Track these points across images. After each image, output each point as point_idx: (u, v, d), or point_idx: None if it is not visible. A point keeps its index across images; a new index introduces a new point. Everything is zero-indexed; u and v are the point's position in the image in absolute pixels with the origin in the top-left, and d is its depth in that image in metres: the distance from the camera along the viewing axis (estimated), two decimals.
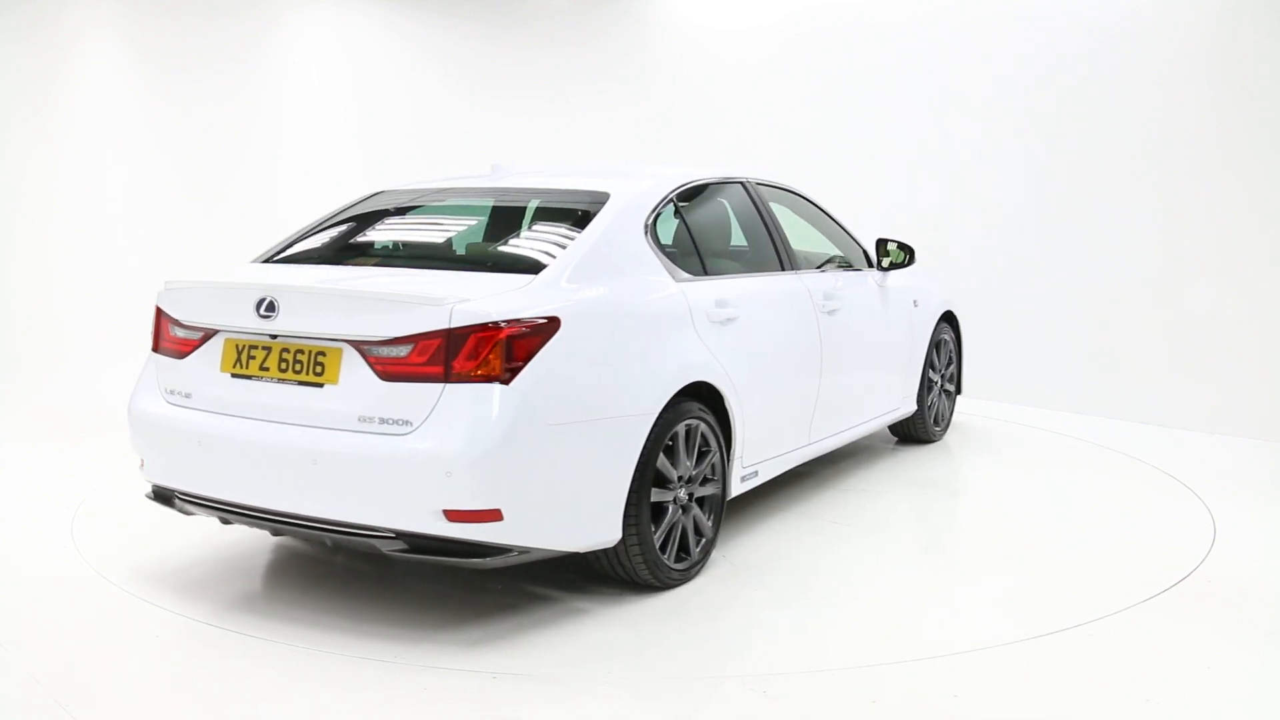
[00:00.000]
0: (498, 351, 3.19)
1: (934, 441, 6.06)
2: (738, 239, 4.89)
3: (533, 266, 3.56)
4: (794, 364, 4.55)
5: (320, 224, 4.36)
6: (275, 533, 3.62)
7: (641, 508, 3.57)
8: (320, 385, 3.34)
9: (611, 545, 3.53)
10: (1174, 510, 4.91)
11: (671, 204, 4.21)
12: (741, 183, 4.81)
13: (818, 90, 8.62)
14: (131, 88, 8.90)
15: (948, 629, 3.51)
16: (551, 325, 3.31)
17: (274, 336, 3.45)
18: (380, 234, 4.25)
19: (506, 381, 3.19)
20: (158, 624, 3.51)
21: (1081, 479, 5.48)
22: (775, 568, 4.07)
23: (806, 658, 3.28)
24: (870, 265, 5.42)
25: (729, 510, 4.56)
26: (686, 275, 4.01)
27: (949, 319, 6.13)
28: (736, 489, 4.17)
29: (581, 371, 3.39)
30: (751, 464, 4.25)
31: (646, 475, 3.58)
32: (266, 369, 3.46)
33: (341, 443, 3.25)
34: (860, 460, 5.67)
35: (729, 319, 4.09)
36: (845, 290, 5.01)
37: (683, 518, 3.80)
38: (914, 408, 5.74)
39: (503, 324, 3.21)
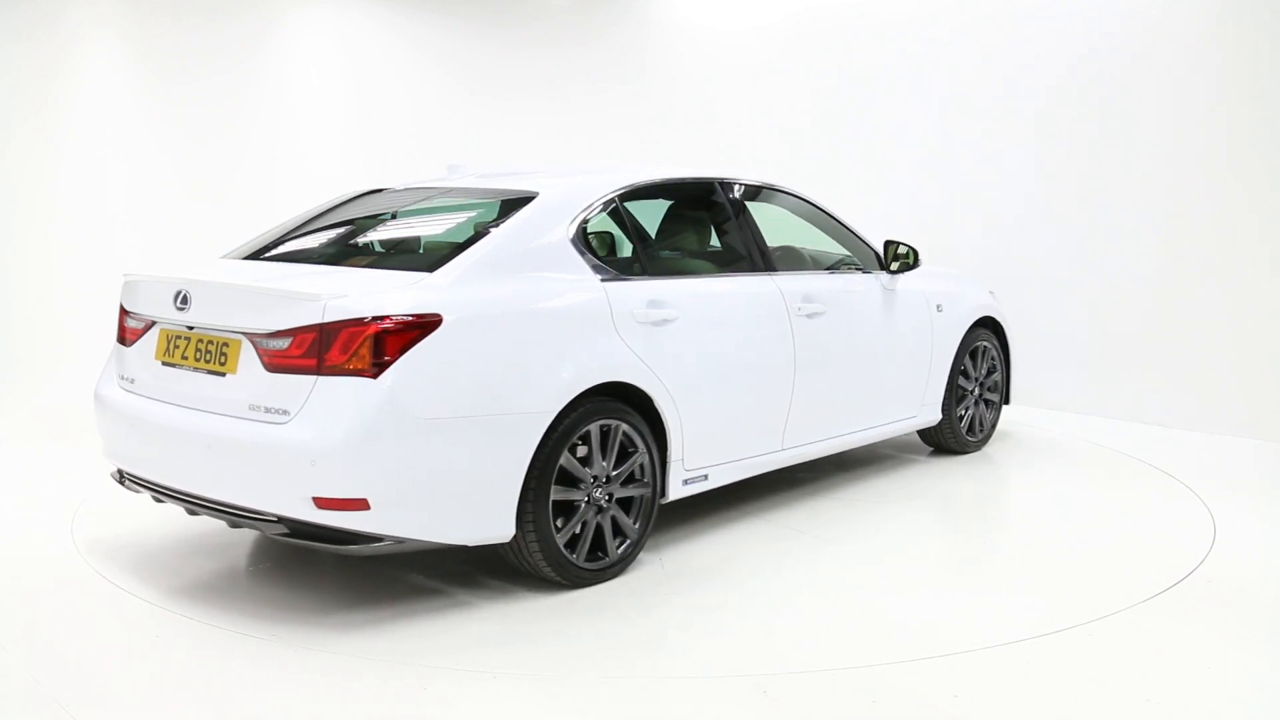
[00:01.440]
0: (366, 346, 3.28)
1: (968, 452, 5.85)
2: (703, 240, 4.85)
3: (433, 265, 3.64)
4: (757, 367, 4.46)
5: (288, 223, 4.50)
6: (190, 512, 3.73)
7: (540, 505, 3.60)
8: (223, 374, 3.54)
9: (505, 541, 3.59)
10: (1174, 510, 4.92)
11: (613, 204, 4.22)
12: (715, 183, 4.74)
13: (818, 90, 8.62)
14: (131, 88, 8.90)
15: (948, 629, 3.51)
16: (430, 322, 3.38)
17: (190, 328, 3.68)
18: (323, 234, 4.32)
19: (374, 376, 3.28)
20: (158, 624, 3.51)
21: (1081, 479, 5.48)
22: (711, 571, 4.03)
23: (807, 658, 3.28)
24: (882, 268, 5.25)
25: (682, 513, 4.61)
26: (616, 276, 4.00)
27: (990, 325, 5.91)
28: (678, 492, 4.16)
29: (464, 368, 3.45)
30: (698, 467, 4.22)
31: (547, 473, 3.61)
32: (186, 358, 3.69)
33: (232, 429, 3.44)
34: (873, 469, 5.65)
35: (664, 320, 4.06)
36: (835, 293, 4.90)
37: (598, 517, 3.82)
38: (937, 416, 5.58)
39: (370, 320, 3.30)
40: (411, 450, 3.33)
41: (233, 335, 3.52)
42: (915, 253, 5.27)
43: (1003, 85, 7.58)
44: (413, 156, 9.28)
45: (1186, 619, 3.61)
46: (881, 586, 3.93)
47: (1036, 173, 7.46)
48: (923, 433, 5.78)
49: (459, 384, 3.43)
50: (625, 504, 3.96)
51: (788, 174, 8.15)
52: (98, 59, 8.79)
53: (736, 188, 4.81)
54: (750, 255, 4.66)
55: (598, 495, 3.81)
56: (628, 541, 3.95)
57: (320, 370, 3.30)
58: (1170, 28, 6.75)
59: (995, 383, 5.98)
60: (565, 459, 3.68)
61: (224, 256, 4.33)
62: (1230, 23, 6.54)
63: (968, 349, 5.71)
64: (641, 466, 3.97)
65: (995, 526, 4.70)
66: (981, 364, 5.85)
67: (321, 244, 4.22)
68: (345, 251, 4.16)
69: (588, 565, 3.81)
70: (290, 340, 3.36)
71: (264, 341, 3.42)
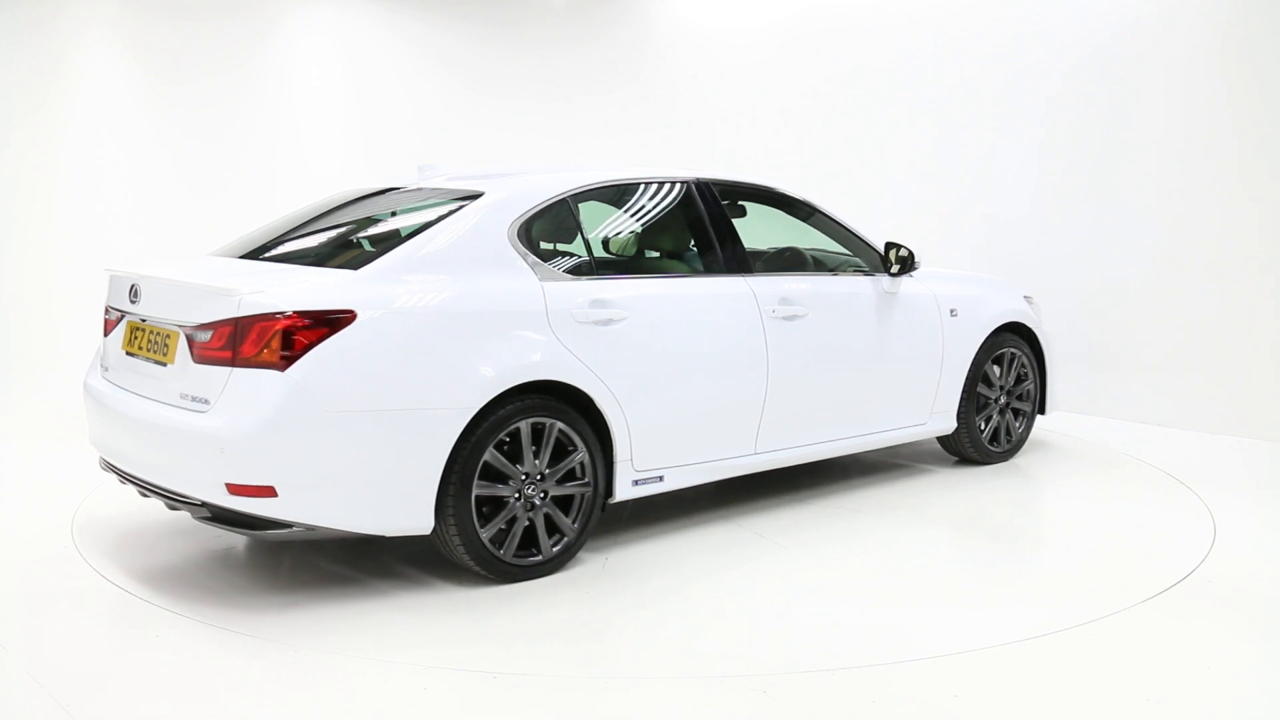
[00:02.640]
0: (276, 340, 3.41)
1: (991, 463, 5.63)
2: (667, 240, 4.84)
3: (362, 263, 3.76)
4: (720, 369, 4.40)
5: (269, 224, 4.60)
6: (141, 494, 3.87)
7: (461, 500, 3.67)
8: (165, 365, 3.73)
9: (424, 533, 3.68)
10: (1174, 510, 4.92)
11: (563, 204, 4.23)
12: (691, 183, 4.68)
13: (819, 91, 8.62)
14: (131, 88, 8.89)
15: (948, 629, 3.51)
16: (343, 318, 3.49)
17: (143, 320, 3.89)
18: (289, 234, 4.33)
19: (282, 368, 3.41)
20: (158, 624, 3.51)
21: (1081, 478, 5.48)
22: (650, 571, 4.02)
23: (807, 658, 3.28)
24: (890, 270, 5.11)
25: (642, 514, 4.63)
26: (558, 276, 4.03)
27: (1020, 331, 5.70)
28: (627, 493, 4.16)
29: (377, 363, 3.54)
30: (651, 468, 4.22)
31: (469, 468, 3.67)
32: (141, 349, 3.90)
33: (166, 416, 3.62)
34: (877, 478, 5.64)
35: (609, 320, 4.06)
36: (821, 295, 4.80)
37: (530, 514, 3.86)
38: (952, 425, 5.39)
39: (279, 315, 3.42)
40: (318, 441, 3.44)
41: (172, 328, 3.72)
42: (912, 254, 5.11)
43: (1005, 85, 7.58)
44: (413, 157, 9.27)
45: (1186, 619, 3.61)
46: (849, 593, 3.93)
47: (1038, 173, 7.46)
48: (943, 441, 5.62)
49: (371, 378, 3.52)
50: (565, 502, 3.98)
51: (789, 174, 8.16)
52: (98, 59, 8.78)
53: (711, 188, 4.71)
54: (721, 256, 4.59)
55: (530, 492, 3.85)
56: (564, 539, 3.97)
57: (235, 362, 3.45)
58: (1174, 29, 6.75)
59: (1027, 392, 5.74)
60: (490, 455, 3.73)
61: (209, 254, 4.44)
62: (1235, 24, 6.54)
63: (989, 355, 5.50)
64: (581, 465, 3.98)
65: (995, 526, 4.70)
66: (1009, 372, 5.63)
67: (283, 243, 4.24)
68: (297, 251, 4.19)
69: (518, 561, 3.84)
70: (212, 333, 3.52)
71: (194, 334, 3.59)
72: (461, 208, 4.01)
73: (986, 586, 4.00)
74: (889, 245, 5.12)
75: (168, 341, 3.73)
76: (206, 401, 3.50)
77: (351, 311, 3.51)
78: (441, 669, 3.18)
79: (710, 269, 4.60)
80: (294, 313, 3.44)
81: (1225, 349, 6.60)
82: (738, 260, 4.63)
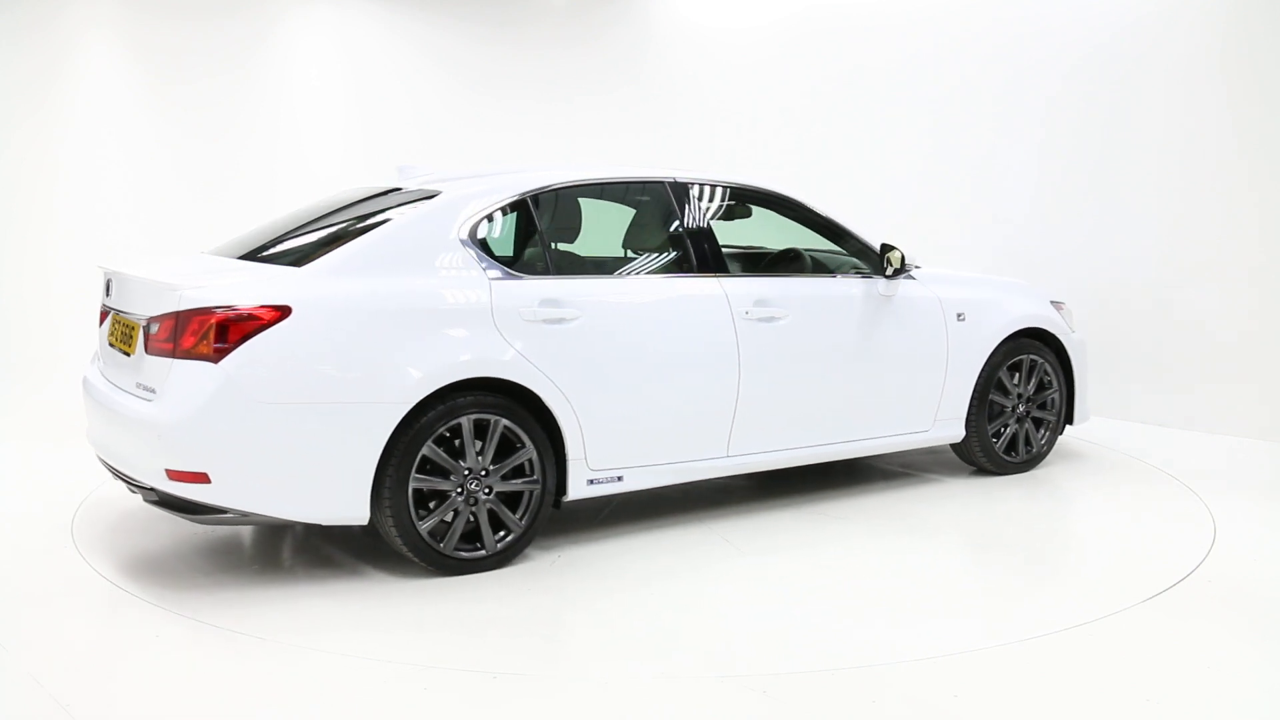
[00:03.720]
0: (210, 333, 3.58)
1: (1007, 474, 5.41)
2: (634, 241, 4.82)
3: (307, 260, 3.92)
4: (684, 371, 4.37)
5: (260, 224, 4.69)
6: (115, 475, 4.06)
7: (399, 492, 3.76)
8: (129, 355, 3.92)
9: (361, 523, 3.79)
10: (1174, 510, 4.92)
11: (523, 204, 4.28)
12: (666, 183, 4.65)
13: (820, 91, 8.62)
14: (131, 88, 8.89)
15: (948, 629, 3.51)
16: (277, 313, 3.64)
17: (120, 312, 4.07)
18: (268, 233, 4.40)
19: (216, 360, 3.57)
20: (158, 624, 3.51)
21: (1081, 478, 5.48)
22: (595, 570, 4.05)
23: (807, 658, 3.28)
24: (885, 272, 4.99)
25: (612, 513, 4.67)
26: (511, 275, 4.08)
27: (1044, 338, 5.48)
28: (581, 492, 4.18)
29: (312, 357, 3.67)
30: (607, 468, 4.23)
31: (405, 462, 3.76)
32: (116, 340, 4.09)
33: (122, 404, 3.83)
34: (885, 486, 5.62)
35: (560, 319, 4.09)
36: (803, 297, 4.72)
37: (473, 509, 3.92)
38: (959, 433, 5.23)
39: (215, 309, 3.60)
40: (249, 430, 3.59)
41: (136, 320, 3.89)
42: (903, 256, 4.96)
43: (1005, 85, 7.58)
44: (412, 157, 9.26)
45: (1186, 619, 3.61)
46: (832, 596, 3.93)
47: (1038, 173, 7.46)
48: (957, 451, 5.43)
49: (304, 371, 3.65)
50: (514, 498, 4.03)
51: (789, 174, 8.16)
52: (98, 59, 8.78)
53: (688, 189, 4.68)
54: (693, 256, 4.56)
55: (473, 487, 3.91)
56: (510, 535, 4.01)
57: (175, 353, 3.63)
58: (1174, 29, 6.75)
59: (1051, 400, 5.51)
60: (429, 449, 3.81)
61: (204, 252, 4.56)
62: (1235, 24, 6.53)
63: (1004, 362, 5.30)
64: (530, 462, 4.02)
65: (995, 527, 4.70)
66: (1029, 379, 5.42)
67: (266, 242, 4.30)
68: (264, 248, 4.24)
69: (461, 554, 3.91)
70: (159, 325, 3.70)
71: (148, 327, 3.77)
72: (413, 207, 4.13)
73: (986, 587, 4.00)
74: (884, 247, 5.01)
75: (132, 333, 3.91)
76: (153, 391, 3.69)
77: (286, 307, 3.66)
78: (441, 669, 3.18)
79: (679, 269, 4.58)
80: (228, 307, 3.60)
81: (1225, 349, 6.59)
82: (711, 261, 4.58)
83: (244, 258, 4.15)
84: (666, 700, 3.00)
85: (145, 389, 3.74)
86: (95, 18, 8.72)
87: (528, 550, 4.18)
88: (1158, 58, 6.82)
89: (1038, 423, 5.52)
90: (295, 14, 9.30)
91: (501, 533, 4.00)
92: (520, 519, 4.03)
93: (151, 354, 3.72)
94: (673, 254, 4.64)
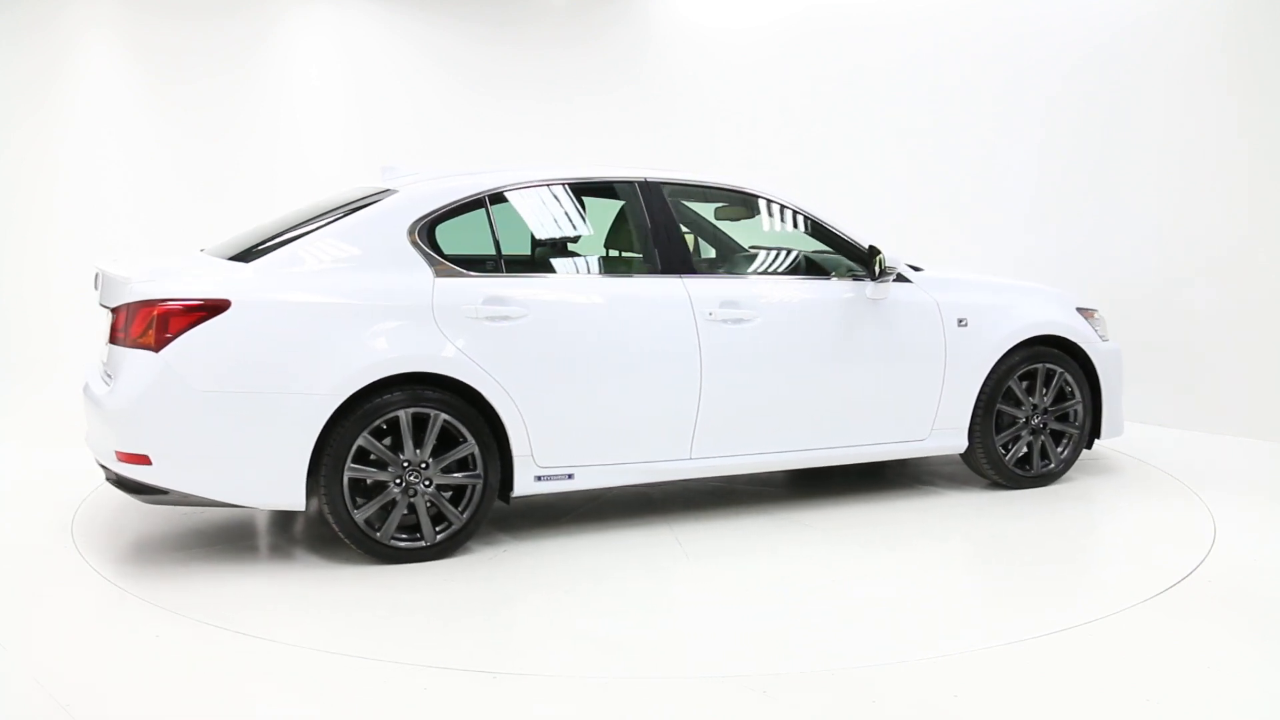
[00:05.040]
0: (153, 324, 3.81)
1: (1021, 488, 5.17)
2: (598, 240, 4.84)
3: (257, 256, 4.10)
4: (639, 371, 4.35)
5: (258, 225, 4.73)
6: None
7: (334, 481, 3.93)
8: (108, 344, 4.12)
9: (298, 509, 3.95)
10: (1174, 510, 4.92)
11: (479, 204, 4.35)
12: (636, 183, 4.61)
13: (820, 91, 8.62)
14: (131, 88, 8.89)
15: (948, 629, 3.51)
16: (216, 306, 3.84)
17: (102, 306, 4.20)
18: (256, 232, 4.49)
19: (157, 349, 3.79)
20: (158, 624, 3.51)
21: (1081, 479, 5.48)
22: (540, 565, 4.10)
23: (807, 658, 3.28)
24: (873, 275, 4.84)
25: (574, 511, 4.70)
26: (457, 273, 4.16)
27: (1066, 346, 5.21)
28: (529, 488, 4.24)
29: (248, 348, 3.85)
30: (557, 466, 4.27)
31: (340, 451, 3.93)
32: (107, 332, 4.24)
33: (93, 390, 4.07)
34: (875, 496, 5.61)
35: (504, 317, 4.15)
36: (775, 300, 4.63)
37: (413, 500, 4.04)
38: (961, 444, 5.03)
39: (159, 301, 3.82)
40: (186, 416, 3.80)
41: (111, 313, 4.10)
42: (882, 259, 4.78)
43: (1005, 85, 7.58)
44: (413, 157, 9.27)
45: (1186, 619, 3.61)
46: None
47: (1038, 173, 7.46)
48: (967, 462, 5.23)
49: (241, 361, 3.84)
50: (460, 491, 4.14)
51: (789, 174, 8.17)
52: (98, 59, 8.78)
53: (654, 188, 4.62)
54: (657, 256, 4.52)
55: (414, 479, 4.02)
56: (452, 527, 4.10)
57: (127, 343, 3.87)
58: (1175, 29, 6.75)
59: (1073, 413, 5.25)
60: (365, 440, 3.95)
61: (200, 250, 4.63)
62: (1236, 24, 6.53)
63: (1015, 371, 5.06)
64: (472, 457, 4.10)
65: (994, 526, 4.70)
66: (1046, 390, 5.16)
67: (249, 243, 4.36)
68: (253, 248, 4.29)
69: (397, 544, 4.04)
70: (116, 317, 3.95)
71: (112, 318, 4.01)
72: (366, 206, 4.25)
73: (986, 587, 4.00)
74: (872, 250, 4.84)
75: (109, 325, 4.15)
76: (112, 378, 3.94)
77: (226, 300, 3.85)
78: (442, 669, 3.18)
79: (642, 269, 4.57)
80: (170, 300, 3.82)
81: (1225, 349, 6.60)
82: (677, 261, 4.54)
83: (234, 258, 4.19)
84: (667, 700, 3.00)
85: (109, 376, 4.00)
86: (95, 18, 8.72)
87: (521, 550, 4.17)
88: (1158, 58, 6.82)
89: (1058, 436, 5.27)
90: (295, 14, 9.30)
91: (443, 525, 4.10)
92: (462, 512, 4.11)
93: (113, 343, 3.96)
94: (636, 254, 4.66)
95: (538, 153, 9.53)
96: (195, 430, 3.81)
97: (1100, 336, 5.38)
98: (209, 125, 9.04)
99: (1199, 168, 6.66)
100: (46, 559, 4.16)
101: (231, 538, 4.39)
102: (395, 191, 4.31)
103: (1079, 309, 5.38)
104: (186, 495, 3.87)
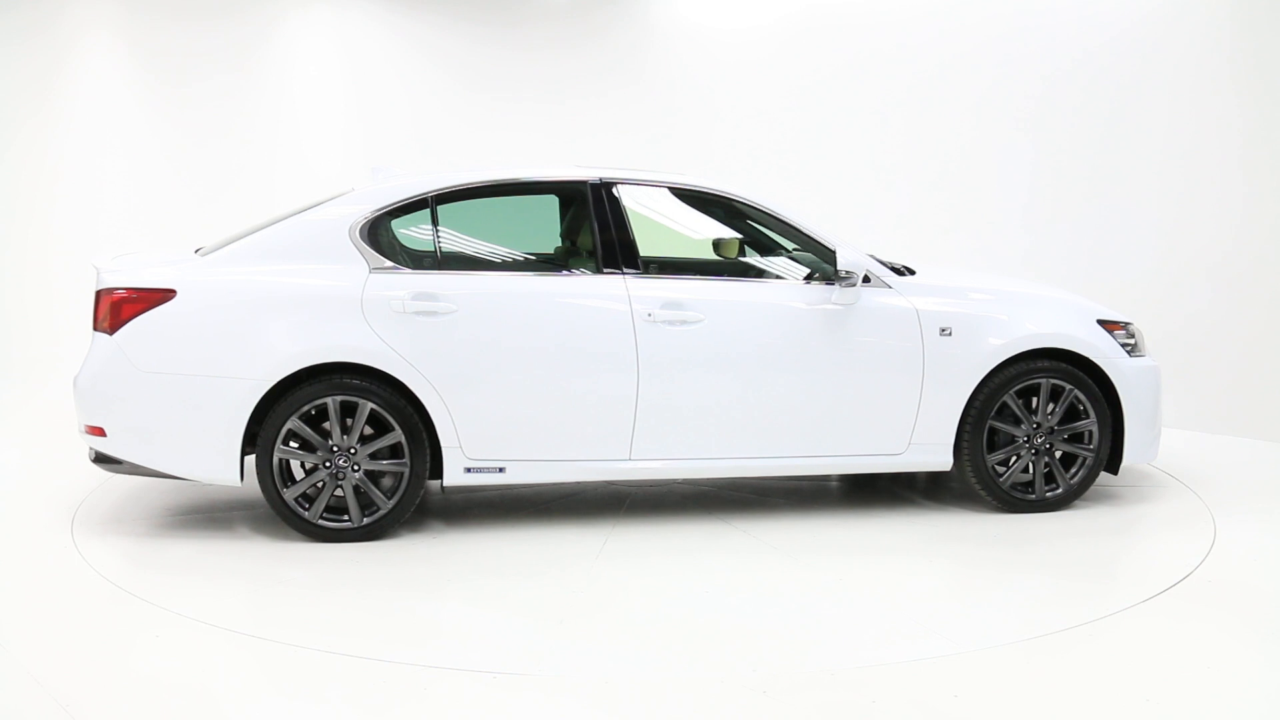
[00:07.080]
0: (109, 310, 4.23)
1: (1019, 511, 4.81)
2: (540, 239, 4.92)
3: (213, 250, 4.43)
4: (573, 370, 4.36)
5: (254, 225, 4.88)
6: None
7: (264, 461, 4.24)
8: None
9: (234, 485, 4.29)
10: (1174, 510, 4.92)
11: (423, 203, 4.51)
12: (587, 184, 4.59)
13: (819, 90, 8.61)
14: (131, 88, 8.89)
15: (948, 629, 3.51)
16: (163, 295, 4.22)
17: None
18: (240, 231, 4.68)
19: (110, 333, 4.21)
20: (158, 624, 3.51)
21: None
22: (456, 553, 4.24)
23: (807, 658, 3.28)
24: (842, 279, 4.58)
25: (510, 507, 4.77)
26: (392, 269, 4.35)
27: (1077, 361, 4.78)
28: (459, 479, 4.37)
29: (189, 334, 4.21)
30: (487, 459, 4.38)
31: (270, 433, 4.22)
32: None
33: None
34: (866, 507, 5.57)
35: (432, 312, 4.29)
36: (729, 302, 4.50)
37: (339, 484, 4.28)
38: (944, 460, 4.71)
39: (114, 290, 4.23)
40: (132, 393, 4.19)
41: None
42: (837, 262, 4.52)
43: (1006, 86, 7.58)
44: (413, 157, 9.28)
45: (1186, 619, 3.61)
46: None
47: (1037, 174, 7.46)
48: (962, 482, 5.01)
49: (182, 346, 4.20)
50: (396, 477, 4.34)
51: (789, 174, 8.17)
52: (98, 59, 8.78)
53: (603, 189, 4.59)
54: (600, 256, 4.49)
55: (342, 463, 4.27)
56: (379, 512, 4.31)
57: (95, 327, 4.29)
58: (1177, 29, 6.75)
59: (1088, 433, 4.80)
60: (294, 424, 4.23)
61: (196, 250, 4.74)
62: (1238, 24, 6.53)
63: (1011, 385, 4.70)
64: (400, 445, 4.29)
65: (994, 526, 4.70)
66: (1053, 408, 4.76)
67: (228, 239, 4.61)
68: (221, 243, 4.57)
69: (324, 523, 4.30)
70: (94, 303, 4.31)
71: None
72: (317, 205, 4.51)
73: (986, 587, 4.00)
74: (831, 251, 4.59)
75: None
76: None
77: (172, 289, 4.21)
78: (441, 669, 3.18)
79: (584, 269, 4.57)
80: (124, 288, 4.21)
81: (1225, 349, 6.59)
82: (621, 261, 4.49)
83: (206, 255, 4.44)
84: (667, 700, 3.00)
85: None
86: (95, 18, 8.72)
87: (525, 547, 4.17)
88: (1160, 58, 6.82)
89: (1070, 459, 4.87)
90: (295, 14, 9.30)
91: (370, 508, 4.32)
92: (388, 498, 4.30)
93: (94, 327, 4.34)
94: (580, 253, 4.70)
95: (538, 153, 9.53)
96: (141, 407, 4.19)
97: (1127, 351, 4.86)
98: (209, 125, 9.05)
99: (1200, 168, 6.66)
100: (46, 559, 4.17)
101: (230, 539, 4.39)
102: (351, 191, 4.53)
103: (1103, 320, 4.91)
104: (136, 466, 4.26)
